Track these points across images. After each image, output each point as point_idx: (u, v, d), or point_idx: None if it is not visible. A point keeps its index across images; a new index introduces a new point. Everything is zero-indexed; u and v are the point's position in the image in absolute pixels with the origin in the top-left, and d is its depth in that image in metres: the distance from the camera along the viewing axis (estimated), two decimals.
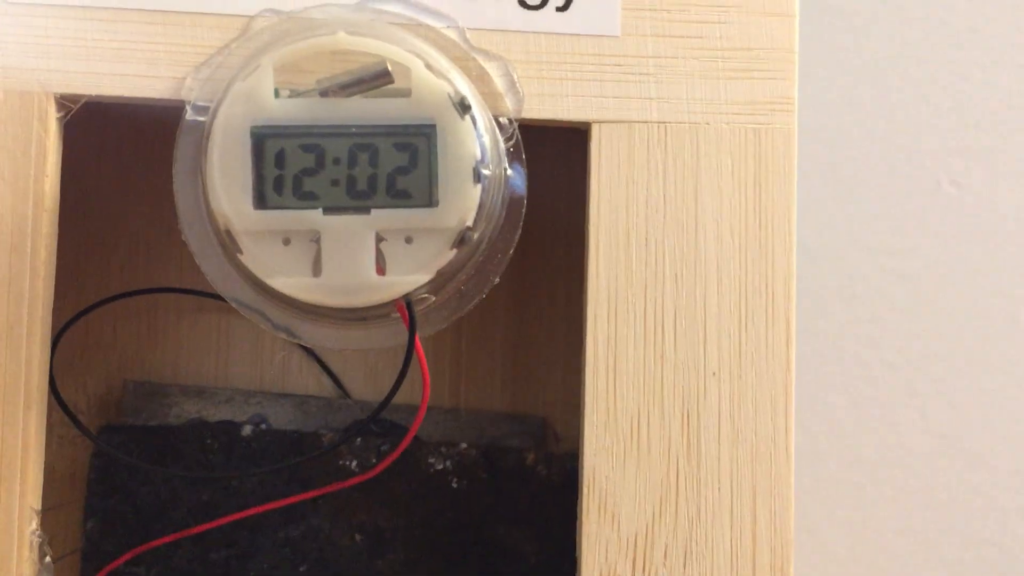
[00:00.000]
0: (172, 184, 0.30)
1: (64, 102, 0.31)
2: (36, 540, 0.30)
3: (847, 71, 0.68)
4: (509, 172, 0.31)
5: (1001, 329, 0.68)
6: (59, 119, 0.31)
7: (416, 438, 0.39)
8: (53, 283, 0.31)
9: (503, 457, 0.39)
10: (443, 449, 0.39)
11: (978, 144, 0.69)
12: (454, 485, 0.38)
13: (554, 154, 0.34)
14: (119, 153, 0.39)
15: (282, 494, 0.37)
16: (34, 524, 0.30)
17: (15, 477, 0.30)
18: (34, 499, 0.30)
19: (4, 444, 0.30)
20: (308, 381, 0.41)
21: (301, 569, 0.38)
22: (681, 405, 0.32)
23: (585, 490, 0.32)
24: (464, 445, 0.39)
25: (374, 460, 0.38)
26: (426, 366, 0.31)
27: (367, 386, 0.41)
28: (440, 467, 0.39)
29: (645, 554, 0.31)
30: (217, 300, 0.39)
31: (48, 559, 0.31)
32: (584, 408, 0.32)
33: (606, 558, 0.31)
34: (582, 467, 0.32)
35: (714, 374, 0.32)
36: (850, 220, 0.70)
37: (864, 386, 0.68)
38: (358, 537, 0.38)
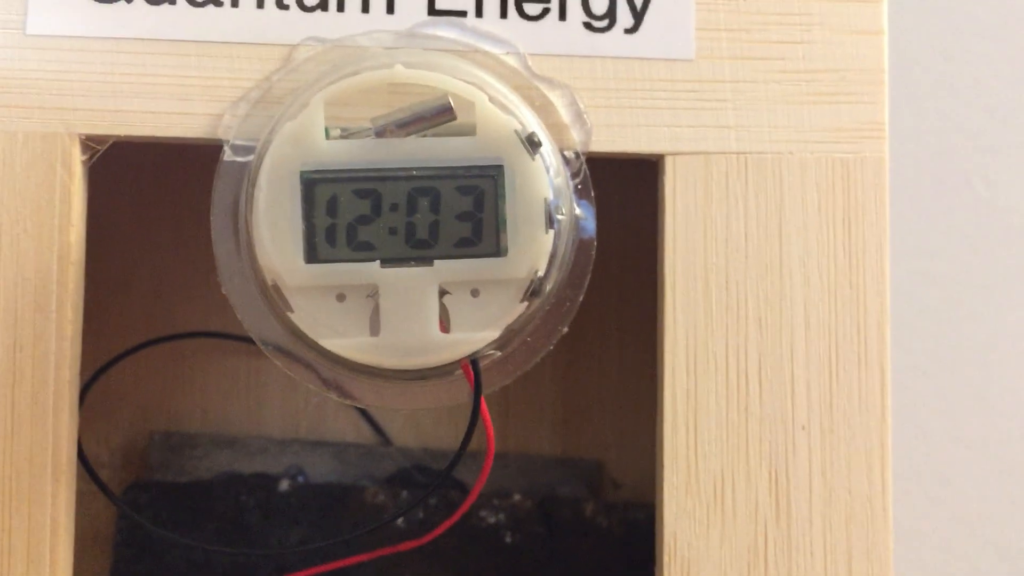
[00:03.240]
0: (201, 224, 0.28)
1: (89, 143, 0.28)
2: None
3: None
4: (578, 212, 0.28)
5: None
6: (84, 162, 0.28)
7: (465, 489, 0.36)
8: (80, 342, 0.28)
9: (559, 508, 0.36)
10: (495, 501, 0.36)
11: (1010, 142, 0.67)
12: (508, 540, 0.36)
13: (613, 189, 0.31)
14: (139, 193, 0.36)
15: (324, 552, 0.35)
16: None
17: (44, 557, 0.27)
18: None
19: (32, 522, 0.27)
20: (346, 427, 0.38)
21: None
22: (768, 463, 0.29)
23: (666, 559, 0.29)
24: (518, 496, 0.36)
25: (421, 514, 0.36)
26: (491, 428, 0.28)
27: (408, 432, 0.38)
28: (492, 520, 0.36)
29: None
30: (246, 343, 0.36)
31: None
32: (662, 468, 0.29)
33: None
34: (662, 533, 0.29)
35: (803, 428, 0.29)
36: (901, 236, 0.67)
37: (896, 392, 0.66)
38: None
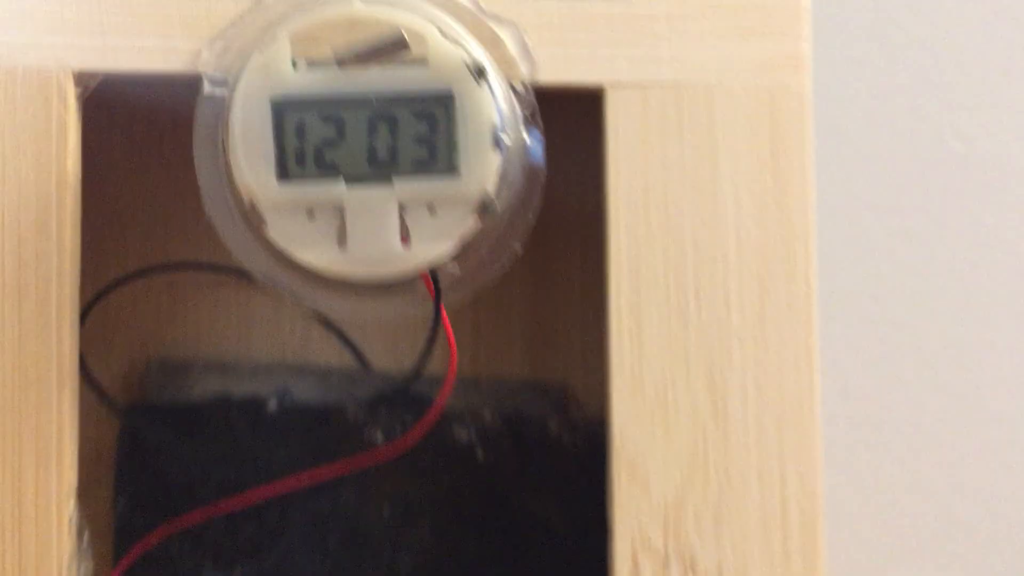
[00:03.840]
0: (191, 158, 0.30)
1: (82, 78, 0.31)
2: (73, 522, 0.30)
3: (851, 28, 0.67)
4: (527, 140, 0.31)
5: (1011, 284, 0.68)
6: (78, 96, 0.31)
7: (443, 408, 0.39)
8: (79, 260, 0.31)
9: (526, 426, 0.39)
10: (467, 420, 0.39)
11: (983, 100, 0.69)
12: (479, 456, 0.39)
13: (567, 123, 0.34)
14: (131, 129, 0.39)
15: (310, 468, 0.38)
16: (71, 505, 0.31)
17: (51, 458, 0.30)
18: (71, 479, 0.30)
19: (39, 425, 0.30)
20: (329, 354, 0.41)
21: (331, 543, 0.38)
22: (706, 369, 0.32)
23: (615, 458, 0.32)
24: (488, 415, 0.39)
25: (399, 431, 0.38)
26: (452, 336, 0.31)
27: (388, 358, 0.41)
28: (465, 438, 0.39)
29: (676, 520, 0.32)
30: (236, 274, 0.39)
31: (86, 541, 0.32)
32: (610, 376, 0.32)
33: (638, 525, 0.32)
34: (610, 435, 0.32)
35: (739, 338, 0.32)
36: (855, 179, 0.69)
37: (873, 345, 0.68)
38: (387, 509, 0.38)
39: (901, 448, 0.64)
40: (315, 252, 0.29)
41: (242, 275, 0.39)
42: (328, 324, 0.40)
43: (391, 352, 0.41)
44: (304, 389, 0.40)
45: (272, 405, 0.39)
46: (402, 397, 0.40)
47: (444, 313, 0.30)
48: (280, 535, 0.38)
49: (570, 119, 0.34)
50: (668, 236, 0.32)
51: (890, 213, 0.65)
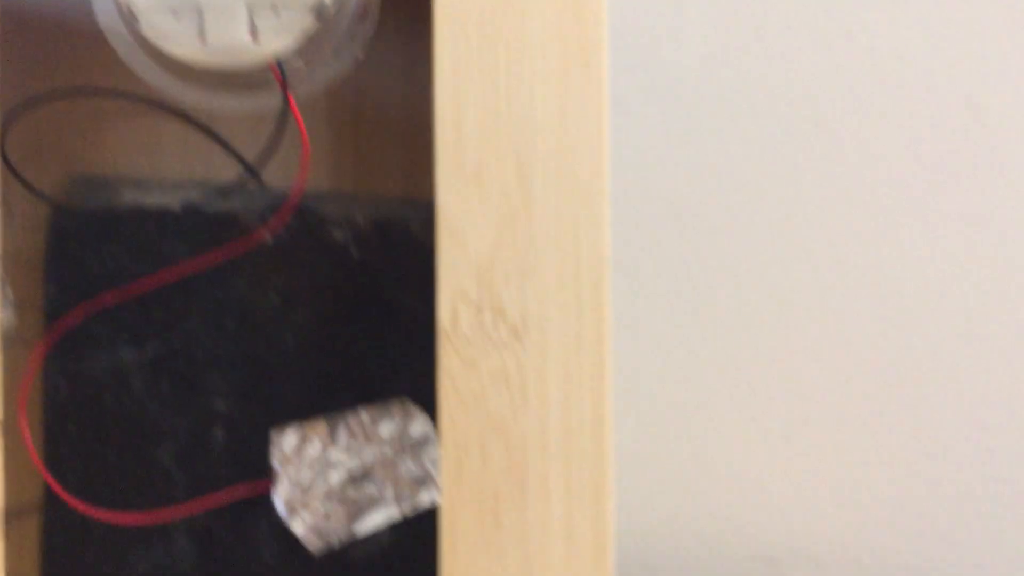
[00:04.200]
0: None
1: None
2: None
3: None
4: None
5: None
6: None
7: (320, 214, 0.46)
8: None
9: (393, 231, 0.46)
10: (343, 223, 0.46)
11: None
12: (353, 254, 0.45)
13: None
14: None
15: (209, 263, 0.45)
16: None
17: None
18: None
19: None
20: (230, 174, 0.47)
21: (228, 324, 0.45)
22: (515, 154, 0.39)
23: (440, 225, 0.39)
24: (361, 220, 0.46)
25: (285, 234, 0.45)
26: (301, 121, 0.38)
27: (279, 174, 0.47)
28: (341, 238, 0.46)
29: (489, 276, 0.38)
30: (150, 104, 0.46)
31: (10, 294, 0.39)
32: (437, 158, 0.38)
33: (457, 281, 0.38)
34: (437, 207, 0.39)
35: (541, 129, 0.39)
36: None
37: (786, 219, 0.74)
38: (274, 297, 0.45)
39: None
40: (180, 45, 0.36)
41: (153, 103, 0.46)
42: (228, 147, 0.47)
43: (284, 172, 0.47)
44: (207, 201, 0.47)
45: (178, 212, 0.46)
46: (287, 205, 0.46)
47: (294, 104, 0.37)
48: (185, 317, 0.45)
49: None
50: (484, 47, 0.39)
51: None
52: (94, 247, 0.45)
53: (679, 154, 0.72)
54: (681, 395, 0.73)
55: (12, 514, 0.41)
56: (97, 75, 0.46)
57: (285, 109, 0.37)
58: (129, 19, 0.36)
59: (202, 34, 0.35)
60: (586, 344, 0.38)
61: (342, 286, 0.45)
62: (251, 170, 0.47)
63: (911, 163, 0.73)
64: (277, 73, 0.36)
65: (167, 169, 0.47)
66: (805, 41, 0.72)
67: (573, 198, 0.39)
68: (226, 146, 0.47)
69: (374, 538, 0.44)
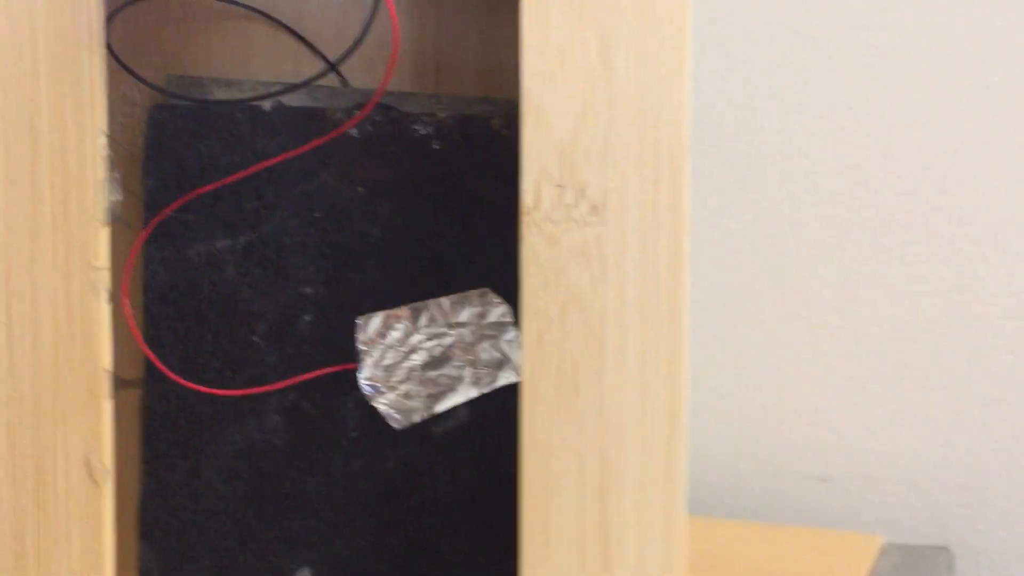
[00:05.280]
0: None
1: None
2: (104, 152, 0.40)
3: None
4: None
5: (972, 91, 0.74)
6: None
7: (403, 111, 0.48)
8: None
9: (474, 125, 0.48)
10: (425, 118, 0.48)
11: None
12: (435, 147, 0.48)
13: None
14: None
15: (298, 156, 0.47)
16: (102, 141, 0.40)
17: (85, 104, 0.40)
18: (101, 121, 0.40)
19: (77, 75, 0.39)
20: (317, 73, 0.50)
21: (316, 215, 0.48)
22: (597, 35, 0.40)
23: (524, 107, 0.40)
24: (442, 115, 0.48)
25: (369, 128, 0.48)
26: (395, 16, 0.40)
27: (364, 76, 0.49)
28: (423, 132, 0.48)
29: (571, 154, 0.40)
30: (240, 6, 0.48)
31: (116, 175, 0.41)
32: (522, 41, 0.40)
33: (540, 159, 0.40)
34: (522, 90, 0.41)
35: (624, 11, 0.40)
36: None
37: (841, 147, 0.76)
38: (360, 189, 0.48)
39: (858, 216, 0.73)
40: None
41: (247, 8, 0.48)
42: (313, 47, 0.49)
43: (368, 73, 0.50)
44: (295, 99, 0.49)
45: (267, 106, 0.48)
46: (378, 108, 0.48)
47: None
48: (275, 208, 0.48)
49: None
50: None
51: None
52: (189, 141, 0.47)
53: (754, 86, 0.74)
54: (741, 318, 0.75)
55: (116, 386, 0.44)
56: None
57: (377, 3, 0.39)
58: None
59: None
60: (663, 222, 0.40)
61: (424, 178, 0.47)
62: (335, 68, 0.49)
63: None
64: None
65: (257, 69, 0.49)
66: None
67: (654, 80, 0.40)
68: (311, 46, 0.49)
69: (453, 413, 0.47)
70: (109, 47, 0.41)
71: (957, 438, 0.72)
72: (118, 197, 0.41)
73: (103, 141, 0.40)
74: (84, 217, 0.40)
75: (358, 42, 0.40)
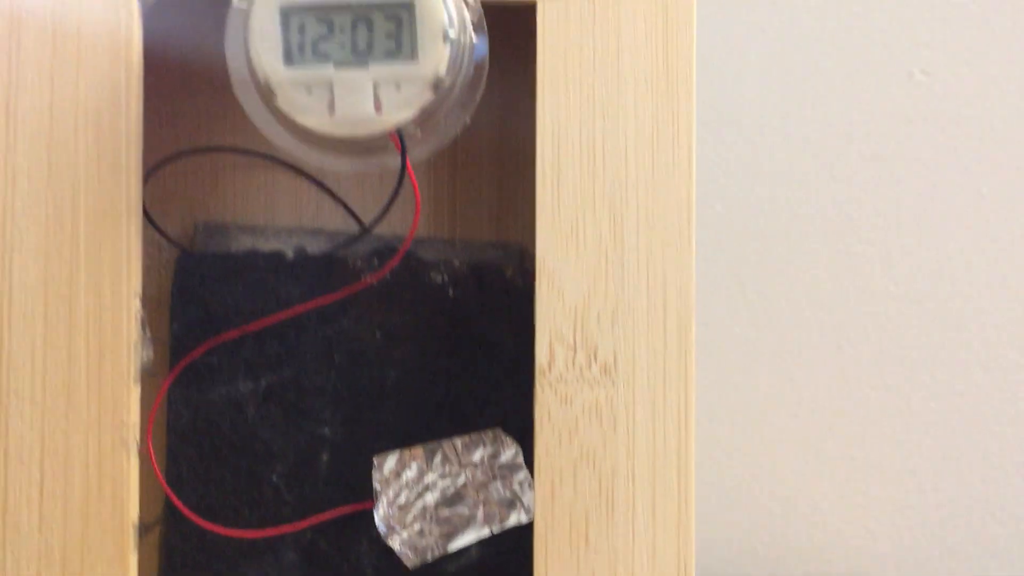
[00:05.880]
0: (225, 58, 0.41)
1: None
2: (138, 316, 0.42)
3: None
4: (474, 39, 0.42)
5: (967, 199, 0.78)
6: (140, 6, 0.42)
7: (420, 259, 0.50)
8: (141, 128, 0.42)
9: (488, 273, 0.50)
10: (441, 267, 0.50)
11: (945, 37, 0.79)
12: (450, 294, 0.50)
13: (508, 27, 0.44)
14: (181, 38, 0.50)
15: (319, 304, 0.49)
16: (137, 303, 0.42)
17: (122, 268, 0.42)
18: (136, 284, 0.42)
19: (114, 242, 0.41)
20: (336, 221, 0.52)
21: (335, 359, 0.49)
22: (608, 209, 0.42)
23: (539, 274, 0.42)
24: (457, 263, 0.50)
25: (388, 275, 0.50)
26: (416, 182, 0.42)
27: (383, 224, 0.52)
28: (439, 280, 0.50)
29: (583, 319, 0.42)
30: (265, 158, 0.50)
31: (148, 333, 0.43)
32: (537, 213, 0.42)
33: (554, 323, 0.42)
34: (537, 258, 0.43)
35: (633, 186, 0.43)
36: (831, 111, 0.80)
37: (844, 259, 0.78)
38: (378, 334, 0.50)
39: (854, 340, 0.75)
40: (312, 117, 0.40)
41: (270, 158, 0.50)
42: (334, 196, 0.51)
43: (385, 220, 0.52)
44: (316, 247, 0.51)
45: (290, 255, 0.50)
46: (390, 250, 0.50)
47: (410, 166, 0.41)
48: (296, 353, 0.49)
49: (511, 24, 0.44)
50: (582, 110, 0.43)
51: (860, 140, 0.75)
52: (215, 288, 0.49)
53: (744, 193, 0.76)
54: (743, 422, 0.77)
55: (139, 528, 0.45)
56: (217, 131, 0.51)
57: (402, 172, 0.41)
58: (266, 93, 0.40)
59: (331, 107, 0.40)
60: (672, 382, 0.42)
61: (440, 323, 0.49)
62: (358, 219, 0.51)
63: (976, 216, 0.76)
64: (397, 141, 0.40)
65: (280, 216, 0.51)
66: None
67: (662, 248, 0.42)
68: (335, 197, 0.51)
69: (466, 553, 0.48)
70: (145, 210, 0.43)
71: (957, 542, 0.74)
72: (150, 355, 0.43)
73: (137, 304, 0.42)
74: (117, 376, 0.41)
75: (388, 205, 0.42)
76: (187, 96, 0.50)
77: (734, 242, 0.79)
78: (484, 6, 0.42)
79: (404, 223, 0.51)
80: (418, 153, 0.42)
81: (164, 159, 0.48)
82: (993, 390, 0.73)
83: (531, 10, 0.43)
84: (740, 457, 0.78)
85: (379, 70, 0.40)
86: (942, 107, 0.78)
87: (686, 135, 0.43)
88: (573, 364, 0.42)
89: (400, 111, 0.40)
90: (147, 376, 0.47)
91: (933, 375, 0.77)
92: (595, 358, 0.42)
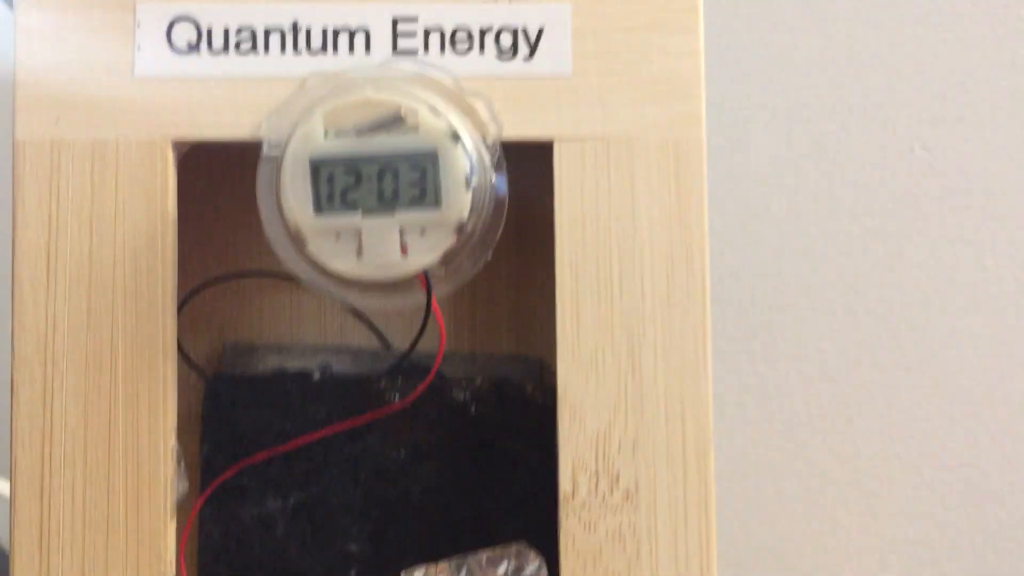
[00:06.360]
0: (255, 198, 0.43)
1: (177, 145, 0.44)
2: (174, 451, 0.43)
3: (829, 53, 0.79)
4: (494, 180, 0.43)
5: (971, 277, 0.79)
6: (175, 157, 0.44)
7: (442, 376, 0.51)
8: (176, 270, 0.44)
9: (509, 389, 0.51)
10: (463, 384, 0.51)
11: (945, 114, 0.81)
12: (472, 411, 0.51)
13: (528, 164, 0.46)
14: (212, 179, 0.51)
15: (347, 426, 0.50)
16: (173, 439, 0.43)
17: (159, 406, 0.43)
18: (172, 421, 0.43)
19: (151, 382, 0.43)
20: (360, 337, 0.53)
21: (362, 476, 0.51)
22: (626, 341, 0.44)
23: (560, 403, 0.44)
24: (479, 380, 0.51)
25: (409, 393, 0.51)
26: (442, 320, 0.43)
27: (404, 340, 0.53)
28: (461, 398, 0.51)
29: (605, 447, 0.44)
30: (288, 279, 0.52)
31: (183, 467, 0.44)
32: (558, 345, 0.44)
33: (577, 451, 0.44)
34: (558, 388, 0.44)
35: (650, 318, 0.44)
36: (834, 186, 0.81)
37: (850, 332, 0.80)
38: (402, 451, 0.51)
39: (864, 421, 0.76)
40: (341, 262, 0.41)
41: (293, 280, 0.52)
42: (358, 315, 0.53)
43: (407, 337, 0.53)
44: (341, 365, 0.53)
45: (317, 375, 0.51)
46: (416, 370, 0.52)
47: (435, 303, 0.43)
48: (323, 471, 0.51)
49: (530, 161, 0.46)
50: (599, 246, 0.44)
51: (863, 214, 0.77)
52: (243, 409, 0.51)
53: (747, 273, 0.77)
54: (756, 495, 0.78)
55: None
56: (243, 254, 0.52)
57: (427, 310, 0.43)
58: (297, 239, 0.42)
59: (360, 253, 0.41)
60: (693, 506, 0.44)
61: (462, 439, 0.51)
62: (384, 340, 0.52)
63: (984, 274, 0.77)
64: (423, 283, 0.42)
65: (306, 333, 0.53)
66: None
67: (679, 377, 0.44)
68: (360, 316, 0.52)
69: None
70: (179, 343, 0.44)
71: None
72: (185, 487, 0.44)
73: (174, 441, 0.43)
74: (154, 512, 0.43)
75: (415, 343, 0.44)
76: (215, 223, 0.52)
77: (742, 316, 0.80)
78: (504, 146, 0.44)
79: (425, 339, 0.53)
80: (442, 290, 0.44)
81: (195, 289, 0.50)
82: (1003, 460, 0.75)
83: (547, 148, 0.45)
84: (757, 531, 0.79)
85: (405, 217, 0.41)
86: (943, 182, 0.80)
87: (699, 267, 0.44)
88: (596, 491, 0.44)
89: (425, 255, 0.42)
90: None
91: (944, 446, 0.78)
92: (617, 484, 0.44)
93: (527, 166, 0.45)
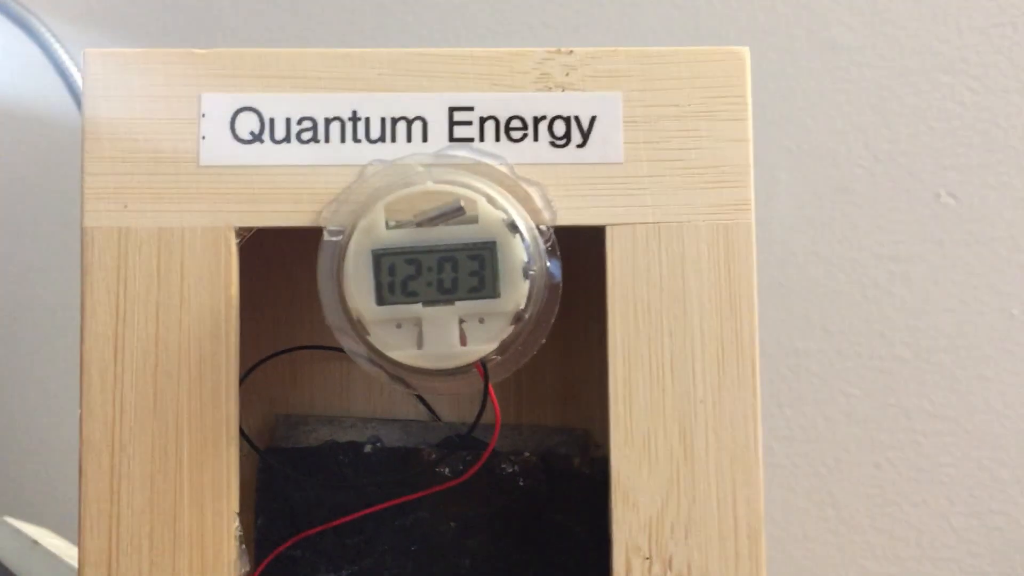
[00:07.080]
0: (314, 284, 0.44)
1: (240, 231, 0.45)
2: (237, 533, 0.44)
3: (855, 101, 0.80)
4: (549, 266, 0.44)
5: (997, 323, 0.80)
6: (237, 244, 0.45)
7: (493, 450, 0.52)
8: (238, 353, 0.45)
9: (557, 462, 0.52)
10: (512, 457, 0.52)
11: (970, 160, 0.81)
12: (521, 484, 0.52)
13: (580, 250, 0.47)
14: (274, 264, 0.52)
15: (396, 495, 0.51)
16: (236, 523, 0.44)
17: (223, 491, 0.44)
18: (235, 505, 0.44)
19: (215, 468, 0.44)
20: (409, 409, 0.54)
21: (412, 549, 0.52)
22: (678, 425, 0.45)
23: (613, 488, 0.45)
24: (527, 454, 0.52)
25: (461, 467, 0.52)
26: (498, 406, 0.44)
27: (452, 411, 0.54)
28: (510, 471, 0.52)
29: (658, 531, 0.45)
30: (339, 352, 0.53)
31: (244, 547, 0.45)
32: (610, 430, 0.45)
33: (630, 536, 0.45)
34: (610, 472, 0.45)
35: (701, 401, 0.45)
36: (860, 231, 0.82)
37: (878, 376, 0.81)
38: (452, 524, 0.52)
39: (893, 467, 0.77)
40: (401, 351, 0.42)
41: (343, 352, 0.53)
42: (409, 387, 0.54)
43: (455, 408, 0.54)
44: (391, 436, 0.54)
45: (367, 448, 0.52)
46: (463, 442, 0.53)
47: (491, 389, 0.44)
48: (375, 544, 0.52)
49: (582, 247, 0.47)
50: (651, 329, 0.45)
51: (890, 260, 0.77)
52: (297, 482, 0.52)
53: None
54: (781, 535, 0.79)
55: None
56: (296, 327, 0.53)
57: (484, 397, 0.43)
58: (359, 328, 0.43)
59: (420, 342, 0.42)
60: None
61: (511, 513, 0.51)
62: (433, 413, 0.53)
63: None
64: (480, 371, 0.43)
65: (355, 405, 0.54)
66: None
67: (731, 461, 0.45)
68: (409, 388, 0.53)
69: None
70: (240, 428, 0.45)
71: None
72: (246, 567, 0.45)
73: (237, 524, 0.44)
74: None
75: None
76: (265, 297, 0.53)
77: (768, 360, 0.81)
78: (555, 229, 0.45)
79: (472, 407, 0.54)
80: (498, 375, 0.44)
81: (253, 366, 0.51)
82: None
83: (599, 233, 0.46)
84: (782, 571, 0.80)
85: (464, 307, 0.42)
86: (968, 228, 0.81)
87: (749, 350, 0.45)
88: (649, 574, 0.44)
89: (484, 344, 0.42)
90: None
91: (972, 492, 0.79)
92: (670, 568, 0.44)
93: (568, 241, 0.46)
